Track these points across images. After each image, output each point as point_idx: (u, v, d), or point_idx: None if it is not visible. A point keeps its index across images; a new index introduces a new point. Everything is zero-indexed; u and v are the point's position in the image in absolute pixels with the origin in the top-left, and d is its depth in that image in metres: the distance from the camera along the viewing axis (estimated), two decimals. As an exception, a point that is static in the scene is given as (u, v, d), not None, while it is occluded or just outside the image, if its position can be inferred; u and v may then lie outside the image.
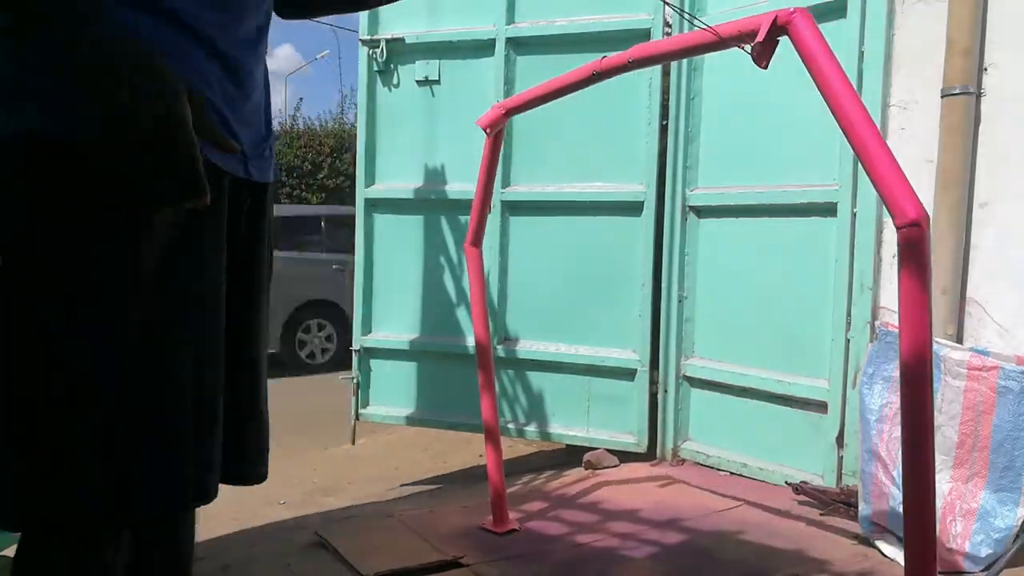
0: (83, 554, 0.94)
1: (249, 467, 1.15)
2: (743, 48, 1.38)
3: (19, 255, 0.89)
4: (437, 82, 3.24)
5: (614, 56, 1.75)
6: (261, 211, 1.13)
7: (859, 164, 2.43)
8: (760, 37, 1.29)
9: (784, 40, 1.33)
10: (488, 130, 2.17)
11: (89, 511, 0.91)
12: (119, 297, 0.91)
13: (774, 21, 1.28)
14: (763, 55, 1.31)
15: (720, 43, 1.42)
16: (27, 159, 0.88)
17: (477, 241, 2.30)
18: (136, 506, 0.93)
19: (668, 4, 2.73)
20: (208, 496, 1.00)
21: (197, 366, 0.97)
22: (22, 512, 0.90)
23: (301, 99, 20.68)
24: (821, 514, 2.38)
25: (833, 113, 1.22)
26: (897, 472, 2.08)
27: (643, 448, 3.02)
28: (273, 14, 1.17)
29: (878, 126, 1.42)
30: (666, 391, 3.03)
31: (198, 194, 0.87)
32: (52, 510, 0.90)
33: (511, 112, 2.16)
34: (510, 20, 3.11)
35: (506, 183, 3.13)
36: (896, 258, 2.39)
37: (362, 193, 3.36)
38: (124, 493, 0.92)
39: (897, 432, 2.10)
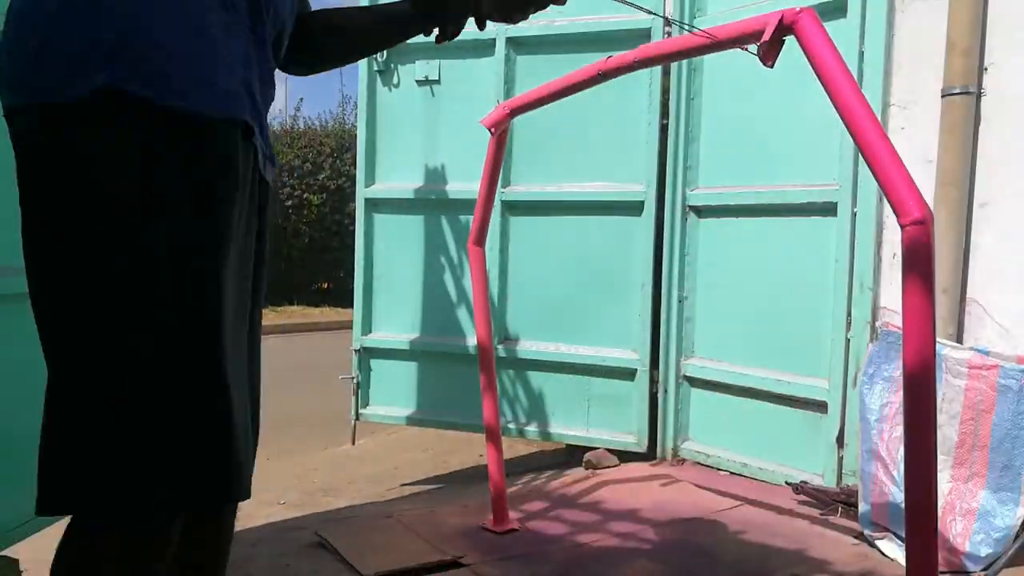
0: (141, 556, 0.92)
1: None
2: (747, 49, 1.38)
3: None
4: (437, 82, 3.24)
5: (619, 56, 1.75)
6: (264, 208, 1.12)
7: (859, 164, 2.44)
8: (766, 37, 1.30)
9: (786, 39, 1.33)
10: (493, 130, 2.17)
11: (159, 505, 0.89)
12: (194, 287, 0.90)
13: (780, 21, 1.29)
14: (769, 54, 1.31)
15: (726, 43, 1.42)
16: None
17: (480, 240, 2.29)
18: (200, 497, 0.93)
19: (665, 18, 2.73)
20: (246, 492, 1.00)
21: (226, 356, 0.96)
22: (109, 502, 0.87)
23: (301, 99, 20.61)
24: (821, 514, 2.39)
25: (839, 112, 1.22)
26: (897, 471, 2.08)
27: (643, 448, 3.02)
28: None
29: (881, 126, 1.42)
30: (666, 391, 3.03)
31: None
32: (137, 501, 0.88)
33: (515, 112, 2.15)
34: (510, 20, 3.10)
35: (506, 183, 3.13)
36: (896, 258, 2.40)
37: (362, 193, 3.36)
38: (198, 484, 0.91)
39: (897, 432, 2.10)
